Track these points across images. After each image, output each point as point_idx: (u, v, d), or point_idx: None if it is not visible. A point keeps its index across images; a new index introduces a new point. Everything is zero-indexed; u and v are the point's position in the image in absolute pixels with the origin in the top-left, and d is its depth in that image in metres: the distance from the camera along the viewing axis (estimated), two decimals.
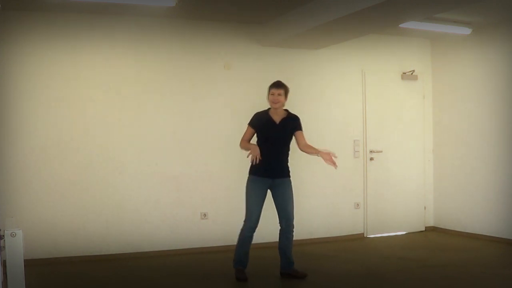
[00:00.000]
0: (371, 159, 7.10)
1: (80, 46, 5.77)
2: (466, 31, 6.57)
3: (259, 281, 4.88)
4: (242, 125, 4.97)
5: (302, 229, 6.66)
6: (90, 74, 5.83)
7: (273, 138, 4.79)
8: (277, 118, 4.84)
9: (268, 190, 4.83)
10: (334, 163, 4.68)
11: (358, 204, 7.05)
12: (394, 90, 7.27)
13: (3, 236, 1.92)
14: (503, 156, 6.49)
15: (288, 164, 4.90)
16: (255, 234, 4.84)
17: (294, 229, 4.87)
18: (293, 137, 4.90)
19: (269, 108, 4.91)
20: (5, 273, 1.94)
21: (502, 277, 4.94)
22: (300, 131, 4.88)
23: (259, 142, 4.83)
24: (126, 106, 5.96)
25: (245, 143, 4.84)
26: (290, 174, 4.90)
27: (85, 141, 5.78)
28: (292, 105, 6.62)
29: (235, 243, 4.89)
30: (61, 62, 5.71)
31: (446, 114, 7.32)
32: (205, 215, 6.16)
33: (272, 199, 4.86)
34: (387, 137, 7.21)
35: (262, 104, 4.98)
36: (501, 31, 6.51)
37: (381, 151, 7.15)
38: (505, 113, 6.47)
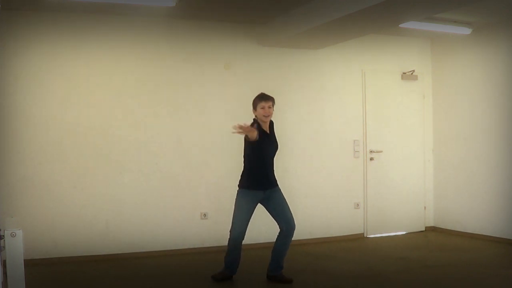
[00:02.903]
0: (371, 159, 7.09)
1: (80, 46, 5.77)
2: (466, 31, 6.57)
3: (258, 283, 4.89)
4: None
5: (302, 229, 6.64)
6: (90, 74, 5.83)
7: (268, 149, 4.72)
8: (267, 129, 4.74)
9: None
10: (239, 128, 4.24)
11: (358, 204, 7.04)
12: (394, 90, 7.27)
13: (3, 236, 1.92)
14: (503, 156, 6.49)
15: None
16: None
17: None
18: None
19: (254, 120, 4.69)
20: (5, 273, 1.94)
21: (502, 277, 4.94)
22: None
23: (252, 156, 4.64)
24: (126, 106, 5.96)
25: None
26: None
27: (85, 141, 5.77)
28: (292, 105, 6.69)
29: None
30: (61, 62, 5.71)
31: (446, 114, 7.32)
32: (205, 215, 6.15)
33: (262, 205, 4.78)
34: (387, 137, 7.21)
35: None
36: (501, 31, 6.51)
37: (381, 151, 7.15)
38: (505, 113, 6.47)
